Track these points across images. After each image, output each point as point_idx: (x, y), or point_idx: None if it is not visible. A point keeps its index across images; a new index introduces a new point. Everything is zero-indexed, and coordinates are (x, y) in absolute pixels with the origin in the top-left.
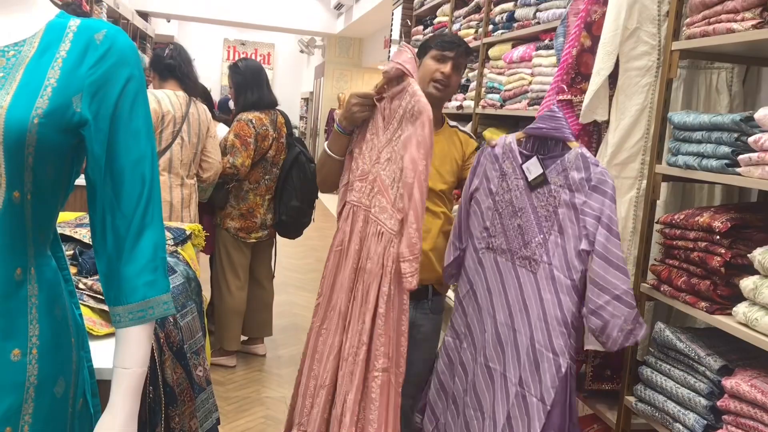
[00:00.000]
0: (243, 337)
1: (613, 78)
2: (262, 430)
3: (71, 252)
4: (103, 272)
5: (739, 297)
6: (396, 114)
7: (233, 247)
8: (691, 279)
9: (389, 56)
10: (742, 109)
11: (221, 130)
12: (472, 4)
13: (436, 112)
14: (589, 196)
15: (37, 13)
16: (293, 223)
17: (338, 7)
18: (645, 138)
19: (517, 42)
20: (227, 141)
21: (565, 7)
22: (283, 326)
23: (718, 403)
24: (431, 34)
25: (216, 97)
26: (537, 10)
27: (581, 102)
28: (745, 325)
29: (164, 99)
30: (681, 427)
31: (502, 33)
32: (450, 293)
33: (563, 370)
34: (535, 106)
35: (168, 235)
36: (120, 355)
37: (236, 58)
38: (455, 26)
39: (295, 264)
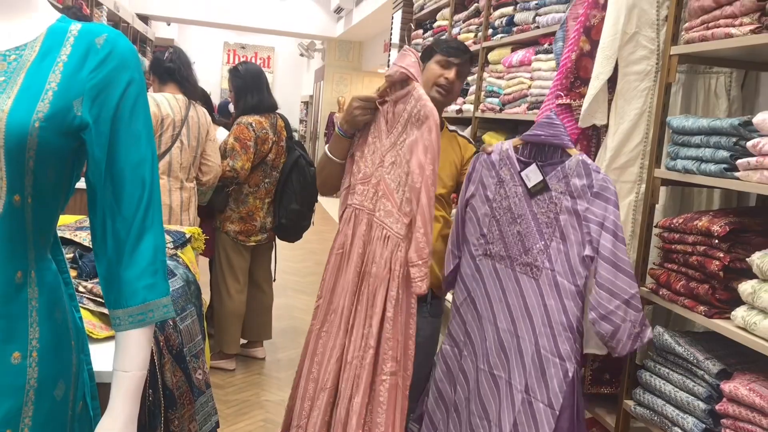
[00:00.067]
0: (242, 341)
1: (612, 82)
2: None
3: (71, 255)
4: (103, 275)
5: (737, 301)
6: (400, 118)
7: (233, 251)
8: (690, 283)
9: (389, 60)
10: (740, 114)
11: (221, 134)
12: (472, 8)
13: None
14: (591, 203)
15: (38, 17)
16: (293, 226)
17: (338, 10)
18: (644, 142)
19: (516, 46)
20: (227, 144)
21: (564, 12)
22: (282, 329)
23: (717, 407)
24: (436, 39)
25: (216, 100)
26: (536, 15)
27: (580, 106)
28: (744, 329)
29: (163, 102)
30: (680, 430)
31: (501, 37)
32: (448, 295)
33: (570, 374)
34: (534, 110)
35: (168, 238)
36: (120, 358)
37: (236, 61)
38: (455, 30)
39: (295, 267)
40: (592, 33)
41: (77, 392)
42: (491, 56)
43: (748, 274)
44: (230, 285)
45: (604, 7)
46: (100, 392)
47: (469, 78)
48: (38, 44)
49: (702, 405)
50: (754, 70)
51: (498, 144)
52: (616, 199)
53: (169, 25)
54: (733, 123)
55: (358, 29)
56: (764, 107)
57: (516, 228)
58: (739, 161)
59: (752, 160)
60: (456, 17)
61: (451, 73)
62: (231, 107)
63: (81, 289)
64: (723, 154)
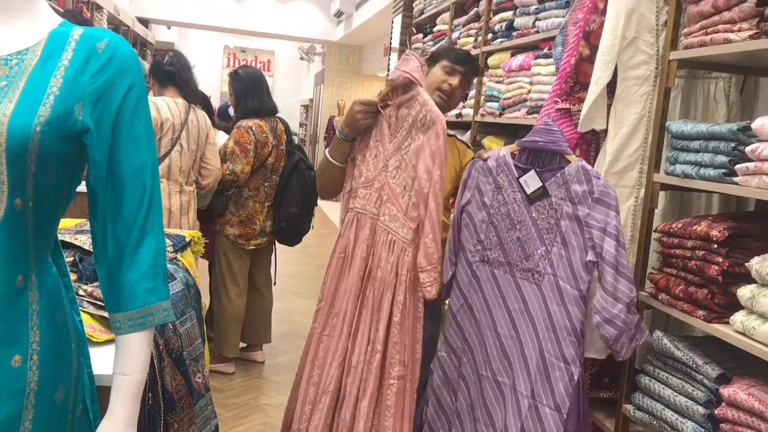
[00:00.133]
0: (242, 344)
1: (611, 87)
2: None
3: (71, 258)
4: (104, 279)
5: (736, 306)
6: (404, 122)
7: (232, 254)
8: (689, 287)
9: (389, 64)
10: (739, 119)
11: (221, 137)
12: (472, 12)
13: None
14: (592, 209)
15: (40, 22)
16: (292, 230)
17: (338, 14)
18: (643, 147)
19: (516, 51)
20: (227, 148)
21: (564, 17)
22: (282, 333)
23: (716, 412)
24: (445, 46)
25: (216, 103)
26: (536, 19)
27: (580, 111)
28: (743, 333)
29: (163, 106)
30: None
31: (501, 42)
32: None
33: (576, 377)
34: (534, 115)
35: (167, 241)
36: (120, 361)
37: (236, 64)
38: (455, 34)
39: (294, 271)
40: (591, 38)
41: (77, 395)
42: (491, 61)
43: (747, 278)
44: (230, 288)
45: (604, 12)
46: (100, 395)
47: None
48: (40, 49)
49: (701, 409)
50: (753, 75)
51: (494, 150)
52: (617, 204)
53: (169, 28)
54: (732, 128)
55: (358, 33)
56: (763, 112)
57: (516, 234)
58: (737, 166)
59: (751, 165)
60: (456, 21)
61: (455, 80)
62: (231, 111)
63: (81, 292)
64: (722, 159)
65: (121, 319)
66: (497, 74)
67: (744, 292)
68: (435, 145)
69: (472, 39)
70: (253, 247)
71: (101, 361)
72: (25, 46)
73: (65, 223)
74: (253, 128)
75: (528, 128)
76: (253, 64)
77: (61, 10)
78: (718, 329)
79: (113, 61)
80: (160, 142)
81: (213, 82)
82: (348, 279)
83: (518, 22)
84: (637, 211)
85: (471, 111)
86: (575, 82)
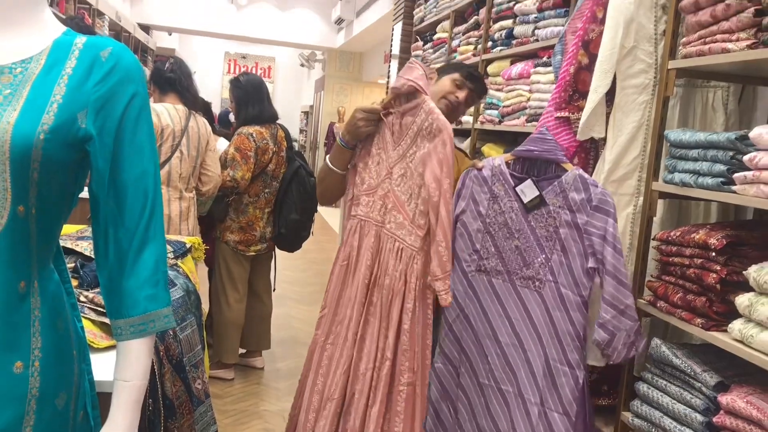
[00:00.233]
0: (241, 350)
1: (610, 95)
2: None
3: (72, 265)
4: (105, 285)
5: (734, 314)
6: (409, 130)
7: (232, 260)
8: (687, 295)
9: (389, 71)
10: (737, 128)
11: (221, 144)
12: (472, 20)
13: None
14: (591, 216)
15: (44, 30)
16: (292, 236)
17: (339, 21)
18: (642, 155)
19: (515, 59)
20: (227, 154)
21: (563, 26)
22: (281, 339)
23: (714, 420)
24: (460, 62)
25: (216, 109)
26: (536, 28)
27: (579, 119)
28: (741, 341)
29: (164, 113)
30: None
31: (500, 50)
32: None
33: (581, 381)
34: (533, 123)
35: (168, 248)
36: (121, 367)
37: (237, 71)
38: (455, 42)
39: (294, 277)
40: (590, 47)
41: (78, 401)
42: (490, 69)
43: (745, 287)
44: (230, 295)
45: (603, 21)
46: (101, 402)
47: None
48: (44, 57)
49: (699, 417)
50: (751, 84)
51: (489, 159)
52: (615, 211)
53: (170, 34)
54: (730, 137)
55: (359, 40)
56: (761, 121)
57: (514, 243)
58: (735, 175)
59: (749, 174)
60: (456, 30)
61: (462, 94)
62: (231, 117)
63: (82, 298)
64: (720, 167)
65: (122, 325)
66: (497, 82)
67: (742, 300)
68: (442, 153)
69: (471, 47)
70: (253, 254)
71: (102, 367)
72: (29, 54)
73: (66, 229)
74: (254, 135)
75: (528, 136)
76: (254, 71)
77: (63, 17)
78: (717, 337)
79: (116, 69)
80: (160, 149)
81: (214, 89)
82: (352, 286)
83: (518, 30)
84: (636, 219)
85: (470, 118)
86: (574, 91)
